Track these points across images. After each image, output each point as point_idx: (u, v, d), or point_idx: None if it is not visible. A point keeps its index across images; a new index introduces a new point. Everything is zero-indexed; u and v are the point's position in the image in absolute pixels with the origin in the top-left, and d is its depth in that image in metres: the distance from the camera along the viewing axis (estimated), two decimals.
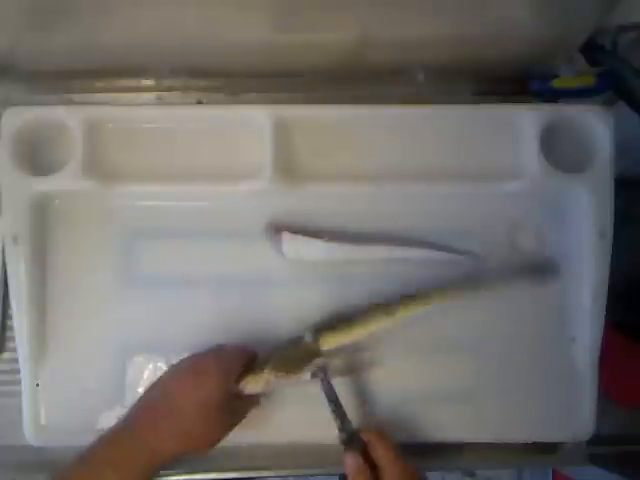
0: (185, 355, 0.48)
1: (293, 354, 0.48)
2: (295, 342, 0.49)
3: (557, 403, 0.53)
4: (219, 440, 0.45)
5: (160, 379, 0.46)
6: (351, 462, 0.44)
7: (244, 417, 0.47)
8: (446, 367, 0.53)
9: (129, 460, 0.41)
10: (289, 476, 0.64)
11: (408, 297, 0.51)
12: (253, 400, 0.48)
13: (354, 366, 0.52)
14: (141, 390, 0.51)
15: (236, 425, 0.46)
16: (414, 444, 0.53)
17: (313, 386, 0.49)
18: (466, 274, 0.53)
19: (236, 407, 0.46)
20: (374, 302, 0.52)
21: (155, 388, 0.45)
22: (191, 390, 0.43)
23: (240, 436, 0.51)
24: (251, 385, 0.46)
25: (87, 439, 0.42)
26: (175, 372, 0.46)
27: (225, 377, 0.44)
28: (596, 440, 0.53)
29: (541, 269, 0.53)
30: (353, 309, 0.52)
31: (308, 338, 0.49)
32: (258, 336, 0.52)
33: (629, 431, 0.58)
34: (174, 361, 0.50)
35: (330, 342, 0.49)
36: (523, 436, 0.53)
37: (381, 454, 0.44)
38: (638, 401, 0.58)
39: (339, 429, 0.47)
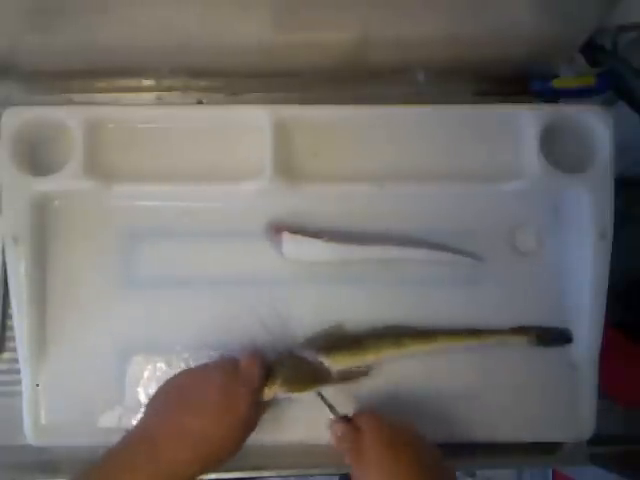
0: (185, 355, 0.48)
1: (304, 372, 0.49)
2: (306, 358, 0.49)
3: (557, 403, 0.53)
4: (239, 447, 0.44)
5: (186, 398, 0.43)
6: (336, 428, 0.45)
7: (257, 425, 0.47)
8: (445, 367, 0.53)
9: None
10: (289, 476, 0.64)
11: (417, 334, 0.52)
12: (264, 408, 0.48)
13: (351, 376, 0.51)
14: (141, 390, 0.52)
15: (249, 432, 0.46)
16: None
17: None
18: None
19: (252, 417, 0.46)
20: (381, 326, 0.52)
21: (182, 407, 0.43)
22: (222, 418, 0.42)
23: None
24: (265, 396, 0.47)
25: (87, 439, 0.42)
26: (206, 396, 0.43)
27: (253, 400, 0.44)
28: (596, 440, 0.53)
29: (557, 338, 0.53)
30: (359, 330, 0.52)
31: (319, 357, 0.49)
32: (258, 336, 0.52)
33: (629, 431, 0.58)
34: (174, 361, 0.50)
35: (341, 364, 0.49)
36: (523, 436, 0.53)
37: (364, 419, 0.44)
38: (638, 401, 0.58)
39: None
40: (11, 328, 0.54)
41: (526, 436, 0.53)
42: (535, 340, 0.52)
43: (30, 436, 0.51)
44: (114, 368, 0.52)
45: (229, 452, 0.43)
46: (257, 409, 0.45)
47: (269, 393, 0.47)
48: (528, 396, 0.53)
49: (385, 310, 0.53)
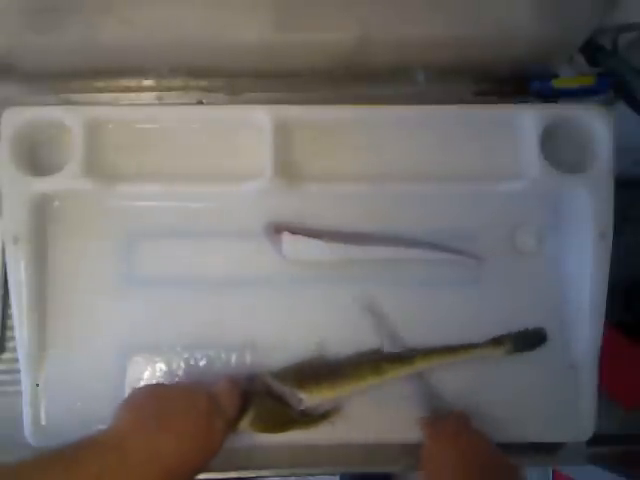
0: (185, 355, 0.47)
1: (277, 415, 0.48)
2: (283, 397, 0.49)
3: (557, 403, 0.53)
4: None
5: (166, 416, 0.42)
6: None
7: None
8: (445, 368, 0.53)
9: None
10: (289, 476, 0.64)
11: (395, 358, 0.51)
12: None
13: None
14: None
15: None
16: (414, 444, 0.53)
17: None
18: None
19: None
20: (358, 354, 0.51)
21: (160, 425, 0.42)
22: (198, 445, 0.42)
23: (240, 436, 0.51)
24: (236, 429, 0.47)
25: None
26: (187, 420, 0.42)
27: (228, 433, 0.45)
28: (596, 440, 0.53)
29: (533, 342, 0.53)
30: (331, 359, 0.51)
31: (297, 393, 0.48)
32: (258, 336, 0.52)
33: (629, 431, 0.58)
34: (174, 361, 0.50)
35: (316, 399, 0.49)
36: (523, 436, 0.53)
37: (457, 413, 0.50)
38: (638, 401, 0.58)
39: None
40: (11, 328, 0.54)
41: (526, 436, 0.53)
42: (512, 348, 0.52)
43: (30, 436, 0.51)
44: (114, 368, 0.52)
45: (190, 475, 0.42)
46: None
47: (241, 429, 0.47)
48: (528, 396, 0.53)
49: (385, 310, 0.53)
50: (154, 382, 0.48)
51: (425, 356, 0.51)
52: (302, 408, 0.49)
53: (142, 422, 0.42)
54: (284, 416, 0.48)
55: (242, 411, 0.47)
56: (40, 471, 0.37)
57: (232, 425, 0.46)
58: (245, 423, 0.47)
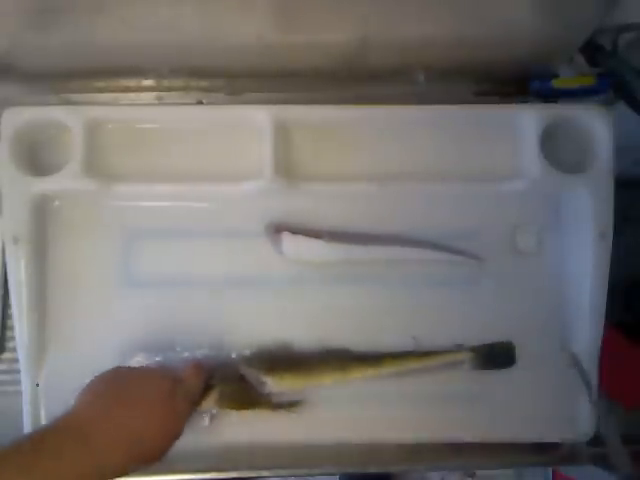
0: (185, 355, 0.48)
1: (242, 391, 0.49)
2: (247, 377, 0.49)
3: (557, 403, 0.53)
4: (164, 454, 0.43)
5: (127, 396, 0.42)
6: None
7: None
8: (445, 367, 0.53)
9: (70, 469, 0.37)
10: (289, 476, 0.64)
11: (363, 359, 0.51)
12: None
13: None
14: None
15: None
16: (414, 444, 0.53)
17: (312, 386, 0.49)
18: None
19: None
20: (328, 351, 0.52)
21: (121, 404, 0.42)
22: (161, 423, 0.42)
23: (240, 436, 0.51)
24: (200, 408, 0.48)
25: None
26: (149, 398, 0.42)
27: (191, 412, 0.45)
28: (596, 440, 0.53)
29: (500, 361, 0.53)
30: (303, 352, 0.52)
31: (261, 377, 0.49)
32: (258, 336, 0.52)
33: (629, 431, 0.58)
34: (174, 360, 0.50)
35: (281, 386, 0.50)
36: (523, 436, 0.53)
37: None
38: (638, 401, 0.58)
39: None
40: (11, 328, 0.54)
41: (526, 436, 0.53)
42: (478, 361, 0.52)
43: None
44: None
45: (155, 457, 0.42)
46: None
47: (204, 406, 0.48)
48: (528, 396, 0.53)
49: (385, 310, 0.53)
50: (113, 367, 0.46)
51: (393, 360, 0.51)
52: (265, 392, 0.49)
53: (103, 406, 0.41)
54: (248, 396, 0.49)
55: (207, 392, 0.48)
56: None
57: (197, 405, 0.47)
58: (211, 401, 0.48)
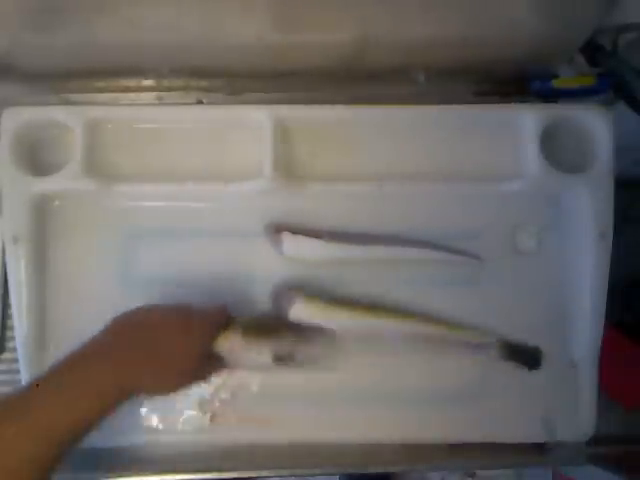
0: None
1: (264, 321, 0.49)
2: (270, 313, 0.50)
3: (557, 403, 0.53)
4: (178, 390, 0.45)
5: (144, 324, 0.45)
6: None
7: (206, 377, 0.49)
8: (446, 367, 0.53)
9: (94, 386, 0.41)
10: (289, 476, 0.64)
11: (396, 310, 0.52)
12: (220, 363, 0.48)
13: (318, 356, 0.50)
14: None
15: (197, 381, 0.47)
16: (414, 444, 0.53)
17: (313, 385, 0.49)
18: None
19: (205, 365, 0.47)
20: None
21: (140, 329, 0.44)
22: (180, 345, 0.44)
23: (240, 436, 0.51)
24: (220, 344, 0.46)
25: (87, 439, 0.42)
26: (165, 323, 0.45)
27: (209, 339, 0.46)
28: (596, 440, 0.53)
29: (529, 359, 0.53)
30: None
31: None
32: None
33: (629, 431, 0.58)
34: None
35: (303, 312, 0.49)
36: (523, 436, 0.53)
37: None
38: (638, 401, 0.58)
39: None
40: (11, 328, 0.54)
41: (526, 436, 0.53)
42: (505, 351, 0.52)
43: None
44: None
45: (174, 379, 0.44)
46: (209, 360, 0.46)
47: (228, 340, 0.46)
48: (528, 396, 0.53)
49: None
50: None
51: (426, 319, 0.52)
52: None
53: (125, 332, 0.44)
54: (274, 321, 0.49)
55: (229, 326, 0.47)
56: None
57: (215, 337, 0.46)
58: (236, 332, 0.47)
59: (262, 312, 0.52)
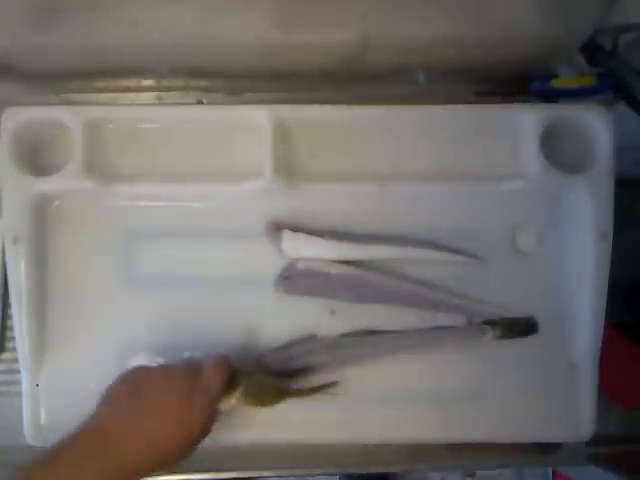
0: (185, 355, 0.48)
1: (266, 387, 0.48)
2: (271, 371, 0.49)
3: (557, 403, 0.53)
4: (188, 457, 0.44)
5: (145, 397, 0.43)
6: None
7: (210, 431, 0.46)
8: (446, 367, 0.53)
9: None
10: (289, 476, 0.64)
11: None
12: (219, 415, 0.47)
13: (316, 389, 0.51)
14: None
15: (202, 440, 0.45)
16: (414, 444, 0.53)
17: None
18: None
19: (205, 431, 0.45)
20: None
21: (139, 406, 0.42)
22: (178, 421, 0.42)
23: (240, 436, 0.51)
24: (221, 406, 0.46)
25: None
26: (166, 398, 0.43)
27: (211, 408, 0.44)
28: (596, 440, 0.53)
29: (525, 329, 0.53)
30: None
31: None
32: (258, 335, 0.52)
33: (629, 431, 0.58)
34: (174, 360, 0.50)
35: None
36: (523, 436, 0.53)
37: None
38: (638, 401, 0.58)
39: None
40: (11, 328, 0.54)
41: (526, 436, 0.53)
42: (500, 331, 0.52)
43: (30, 436, 0.51)
44: (114, 368, 0.51)
45: (179, 456, 0.42)
46: (213, 416, 0.45)
47: (227, 403, 0.46)
48: (528, 396, 0.53)
49: (384, 309, 0.53)
50: (130, 368, 0.46)
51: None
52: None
53: (121, 411, 0.42)
54: (275, 388, 0.48)
55: (231, 388, 0.46)
56: None
57: (218, 400, 0.45)
58: (234, 398, 0.46)
59: (263, 364, 0.50)
